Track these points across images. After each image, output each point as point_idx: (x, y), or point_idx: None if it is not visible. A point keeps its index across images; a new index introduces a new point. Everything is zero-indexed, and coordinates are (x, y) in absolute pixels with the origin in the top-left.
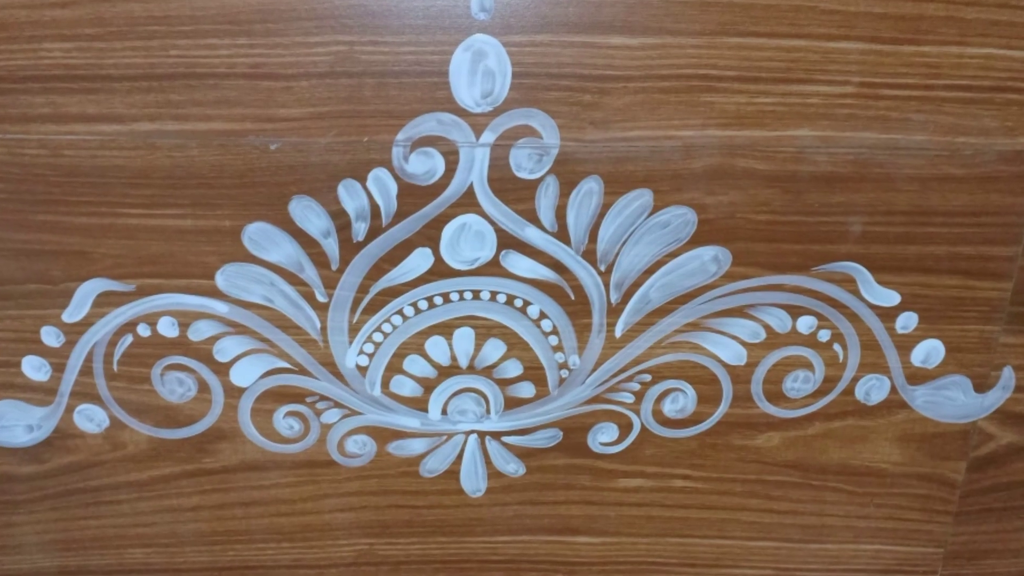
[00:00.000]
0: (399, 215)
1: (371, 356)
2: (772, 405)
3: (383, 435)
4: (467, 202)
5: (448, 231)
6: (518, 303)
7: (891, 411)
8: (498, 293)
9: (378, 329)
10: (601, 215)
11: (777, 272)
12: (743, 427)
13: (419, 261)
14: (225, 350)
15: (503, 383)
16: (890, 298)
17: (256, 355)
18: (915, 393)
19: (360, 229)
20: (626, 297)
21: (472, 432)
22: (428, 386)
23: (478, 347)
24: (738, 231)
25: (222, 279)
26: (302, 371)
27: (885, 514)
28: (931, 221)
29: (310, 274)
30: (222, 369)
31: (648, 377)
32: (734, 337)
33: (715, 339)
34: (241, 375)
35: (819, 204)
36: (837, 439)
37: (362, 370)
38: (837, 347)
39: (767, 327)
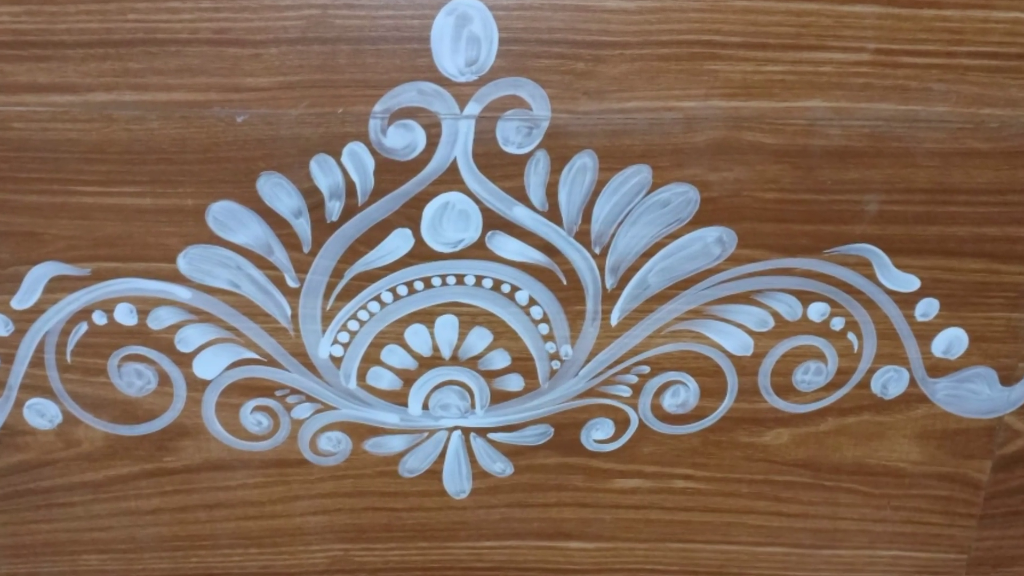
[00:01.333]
0: (376, 193)
1: (346, 346)
2: (781, 399)
3: (359, 432)
4: (450, 179)
5: (429, 210)
6: (505, 288)
7: (910, 405)
8: (484, 278)
9: (353, 317)
10: (596, 193)
11: (786, 255)
12: (749, 423)
13: (398, 243)
14: (188, 339)
15: (489, 375)
16: (909, 283)
17: (221, 345)
18: (936, 386)
19: (334, 208)
20: (623, 282)
21: (455, 428)
22: (408, 378)
23: (462, 336)
24: (744, 210)
25: (184, 263)
26: (271, 362)
27: (903, 517)
28: (953, 200)
29: (280, 257)
30: (184, 360)
31: (647, 369)
32: (740, 325)
33: (719, 327)
34: (205, 367)
35: (832, 181)
36: (851, 436)
37: (336, 361)
38: (851, 336)
39: (775, 314)
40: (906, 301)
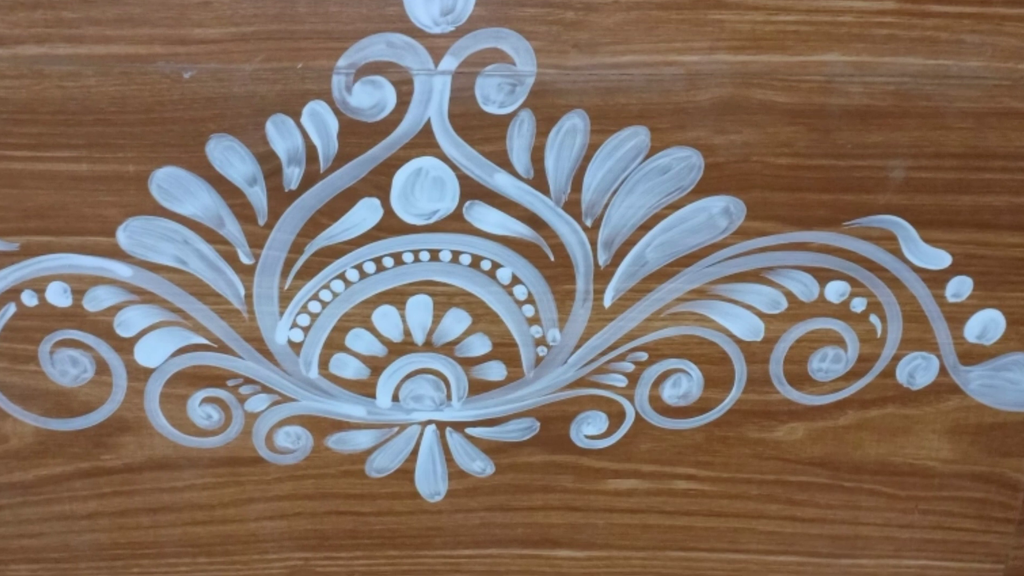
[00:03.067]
0: (340, 158)
1: (306, 330)
2: (795, 390)
3: (321, 426)
4: (423, 142)
5: (400, 178)
6: (485, 265)
7: (940, 397)
8: (461, 253)
9: (315, 297)
10: (587, 158)
11: (801, 228)
12: (760, 416)
13: (365, 214)
14: (128, 323)
15: (467, 363)
16: (939, 259)
17: (166, 329)
18: (969, 375)
19: (293, 175)
20: (617, 258)
21: (429, 423)
22: (376, 367)
23: (437, 319)
24: (753, 178)
25: (125, 236)
26: (223, 348)
27: (933, 522)
28: (988, 166)
29: (232, 230)
30: (125, 346)
31: (644, 356)
32: (749, 307)
33: (726, 309)
34: (148, 353)
35: (852, 145)
36: (874, 431)
37: (295, 347)
38: (874, 319)
39: (789, 295)
40: (935, 279)
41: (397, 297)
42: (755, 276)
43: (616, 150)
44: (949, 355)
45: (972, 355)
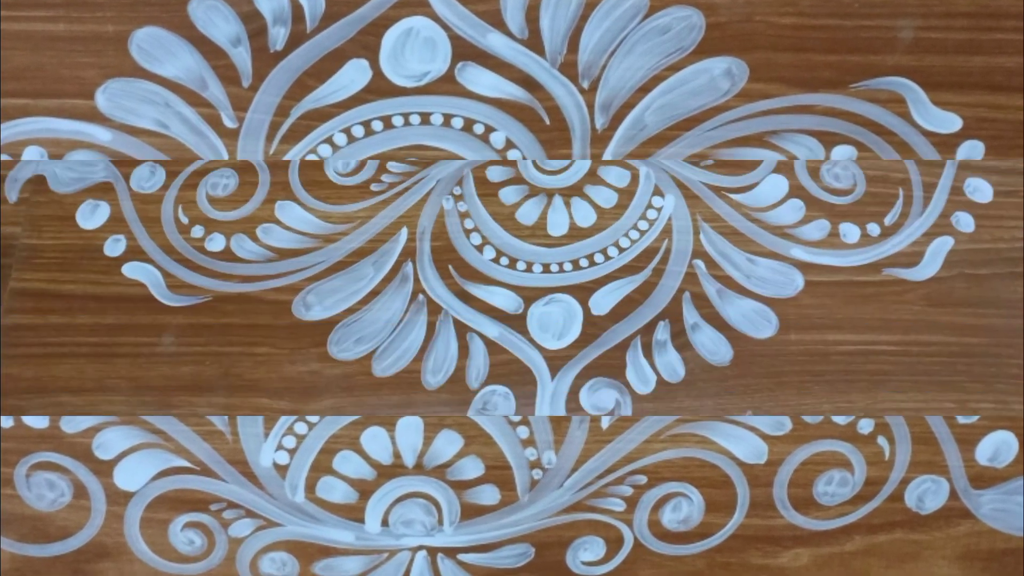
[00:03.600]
0: (328, 18)
1: (292, 452)
2: (800, 514)
3: (308, 552)
4: (414, 1)
5: (390, 38)
6: (478, 129)
7: (950, 522)
8: (453, 116)
9: (301, 419)
10: (583, 18)
11: (806, 90)
12: (763, 542)
13: (353, 76)
14: (108, 444)
15: (459, 487)
16: (949, 122)
17: (147, 451)
18: (981, 499)
19: (279, 35)
20: (615, 121)
21: (420, 548)
22: (365, 490)
23: (428, 441)
24: (757, 38)
25: (104, 99)
26: (205, 471)
27: None
28: (1000, 25)
29: (215, 92)
30: (104, 469)
31: (643, 479)
32: (752, 428)
33: (728, 431)
34: (128, 476)
35: (859, 4)
36: (882, 557)
37: (281, 470)
38: (882, 441)
39: (796, 419)
40: (945, 144)
41: (387, 422)
42: (758, 140)
43: (614, 9)
44: (960, 478)
45: (983, 478)
